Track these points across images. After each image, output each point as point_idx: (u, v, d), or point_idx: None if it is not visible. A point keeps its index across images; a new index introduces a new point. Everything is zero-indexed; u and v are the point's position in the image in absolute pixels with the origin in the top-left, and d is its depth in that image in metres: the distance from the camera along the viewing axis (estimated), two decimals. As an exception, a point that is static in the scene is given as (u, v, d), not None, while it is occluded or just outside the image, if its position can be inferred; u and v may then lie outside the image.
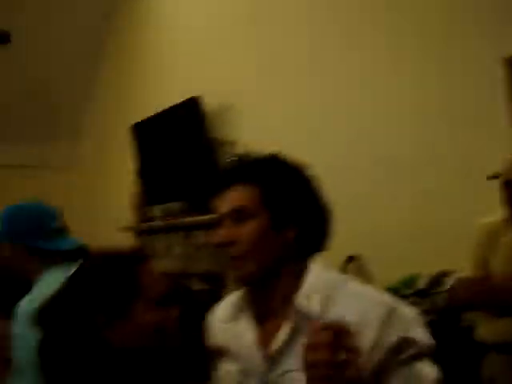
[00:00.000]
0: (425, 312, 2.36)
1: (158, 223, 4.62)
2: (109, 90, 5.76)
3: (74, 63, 5.62)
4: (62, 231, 2.08)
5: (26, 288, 1.97)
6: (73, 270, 1.35)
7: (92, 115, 6.00)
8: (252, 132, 3.69)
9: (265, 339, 1.29)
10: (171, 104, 4.28)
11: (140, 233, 4.89)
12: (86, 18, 5.38)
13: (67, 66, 5.61)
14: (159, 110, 4.44)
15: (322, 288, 1.27)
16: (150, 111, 4.56)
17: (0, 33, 5.00)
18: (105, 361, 1.18)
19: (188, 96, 4.08)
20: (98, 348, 1.18)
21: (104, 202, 5.68)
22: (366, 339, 1.14)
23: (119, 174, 5.31)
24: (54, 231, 2.03)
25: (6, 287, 2.23)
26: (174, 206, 4.47)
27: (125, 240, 4.83)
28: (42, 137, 5.85)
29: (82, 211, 5.30)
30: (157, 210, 4.70)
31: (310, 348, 1.03)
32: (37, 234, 2.00)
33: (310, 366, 1.03)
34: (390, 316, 1.19)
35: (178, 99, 4.19)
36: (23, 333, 1.84)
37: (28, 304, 1.88)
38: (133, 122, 4.79)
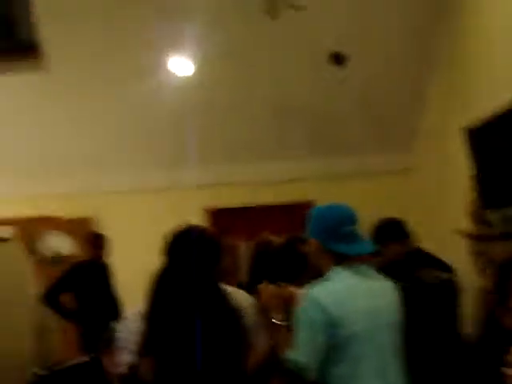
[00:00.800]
0: None
1: (495, 229, 4.43)
2: (441, 95, 5.76)
3: (404, 73, 5.81)
4: (357, 236, 2.22)
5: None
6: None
7: (425, 119, 6.08)
8: None
9: None
10: (508, 105, 4.10)
11: (476, 238, 4.76)
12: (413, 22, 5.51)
13: (399, 78, 5.82)
14: (495, 111, 4.29)
15: None
16: (484, 112, 4.43)
17: (338, 54, 5.47)
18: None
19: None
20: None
21: (440, 206, 5.69)
22: None
23: (455, 178, 5.27)
24: (348, 235, 2.19)
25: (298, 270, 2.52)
26: (513, 211, 4.24)
27: (460, 244, 4.77)
28: (375, 145, 6.19)
29: (418, 215, 5.41)
30: (494, 215, 4.52)
31: None
32: (332, 234, 2.19)
33: None
34: None
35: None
36: (302, 313, 2.07)
37: (315, 289, 2.11)
38: (466, 124, 4.71)
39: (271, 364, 2.14)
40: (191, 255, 2.11)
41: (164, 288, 1.92)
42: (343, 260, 2.18)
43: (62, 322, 5.13)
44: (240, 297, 2.37)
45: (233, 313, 1.95)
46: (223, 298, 1.96)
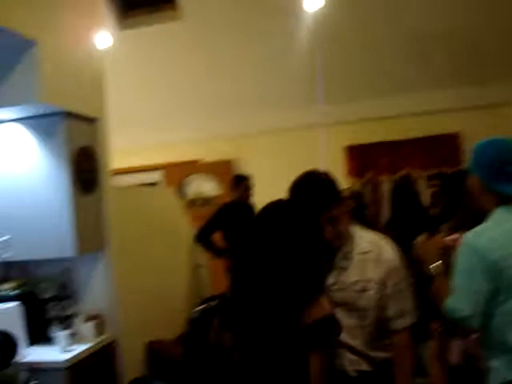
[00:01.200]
0: None
1: None
2: None
3: None
4: None
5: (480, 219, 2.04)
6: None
7: None
8: None
9: None
10: None
11: None
12: None
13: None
14: None
15: None
16: None
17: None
18: None
19: None
20: None
21: None
22: None
23: None
24: None
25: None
26: None
27: None
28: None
29: None
30: None
31: None
32: (494, 172, 2.01)
33: None
34: None
35: None
36: (461, 260, 1.97)
37: (472, 235, 1.99)
38: None
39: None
40: (303, 193, 2.19)
41: (266, 218, 1.98)
42: (507, 201, 2.02)
43: (212, 260, 5.40)
44: (386, 252, 2.29)
45: (316, 261, 1.92)
46: (313, 241, 1.94)
